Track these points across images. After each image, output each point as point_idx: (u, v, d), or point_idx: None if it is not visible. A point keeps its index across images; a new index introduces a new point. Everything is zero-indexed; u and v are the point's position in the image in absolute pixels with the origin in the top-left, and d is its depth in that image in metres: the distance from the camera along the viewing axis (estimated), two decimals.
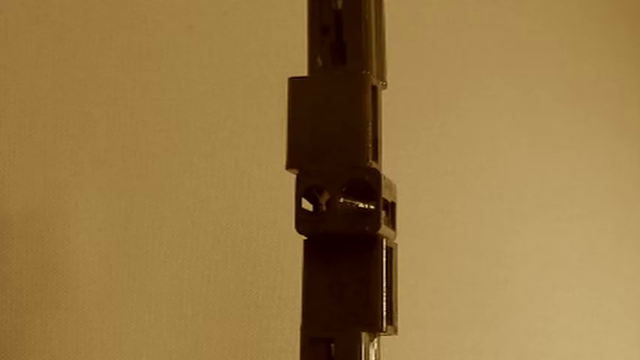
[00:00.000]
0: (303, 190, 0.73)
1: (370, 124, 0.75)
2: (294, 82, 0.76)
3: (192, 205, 1.13)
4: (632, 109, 1.43)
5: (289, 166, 0.75)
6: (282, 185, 0.82)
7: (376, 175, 0.73)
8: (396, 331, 0.76)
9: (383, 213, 0.73)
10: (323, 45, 0.76)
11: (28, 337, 1.05)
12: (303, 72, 0.81)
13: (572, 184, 1.38)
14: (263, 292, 1.15)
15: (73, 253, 1.08)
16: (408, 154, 1.25)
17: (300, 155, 0.74)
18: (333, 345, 0.73)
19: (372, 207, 0.73)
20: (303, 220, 0.73)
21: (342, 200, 0.73)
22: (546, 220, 1.35)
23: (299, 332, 0.74)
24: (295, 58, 0.83)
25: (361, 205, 0.74)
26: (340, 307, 0.74)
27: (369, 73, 0.75)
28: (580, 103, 1.40)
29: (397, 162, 0.77)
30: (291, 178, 0.81)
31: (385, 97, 0.77)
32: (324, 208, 0.74)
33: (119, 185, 1.11)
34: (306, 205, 0.76)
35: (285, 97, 0.82)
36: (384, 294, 0.74)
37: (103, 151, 1.11)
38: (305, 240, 0.75)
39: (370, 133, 0.74)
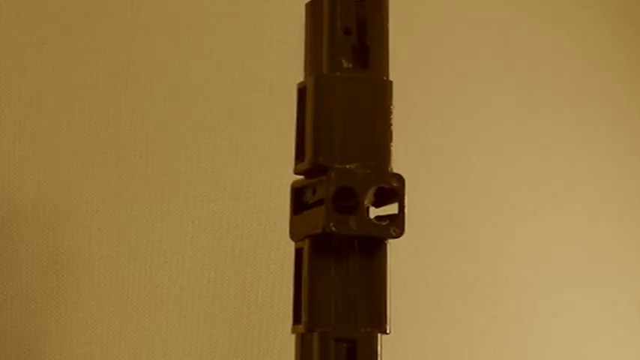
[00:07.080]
0: (334, 190, 0.73)
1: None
2: (320, 79, 0.76)
3: (192, 205, 1.13)
4: (634, 107, 1.42)
5: (314, 162, 0.74)
6: (282, 185, 0.82)
7: (402, 181, 0.74)
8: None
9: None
10: (346, 46, 0.77)
11: (28, 337, 1.05)
12: (303, 72, 0.81)
13: (573, 184, 1.38)
14: (263, 292, 1.15)
15: (73, 254, 1.08)
16: (407, 153, 1.25)
17: (326, 153, 0.74)
18: (345, 345, 0.74)
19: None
20: (334, 220, 0.73)
21: (374, 205, 0.74)
22: (546, 220, 1.35)
23: (305, 331, 0.74)
24: (295, 59, 0.83)
25: (380, 209, 0.75)
26: (350, 308, 0.75)
27: (388, 79, 0.77)
28: (582, 103, 1.39)
29: (397, 162, 0.77)
30: (291, 177, 0.81)
31: None
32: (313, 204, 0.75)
33: (119, 185, 1.11)
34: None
35: (286, 98, 0.82)
36: (387, 296, 0.75)
37: (103, 151, 1.11)
38: (310, 238, 0.75)
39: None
